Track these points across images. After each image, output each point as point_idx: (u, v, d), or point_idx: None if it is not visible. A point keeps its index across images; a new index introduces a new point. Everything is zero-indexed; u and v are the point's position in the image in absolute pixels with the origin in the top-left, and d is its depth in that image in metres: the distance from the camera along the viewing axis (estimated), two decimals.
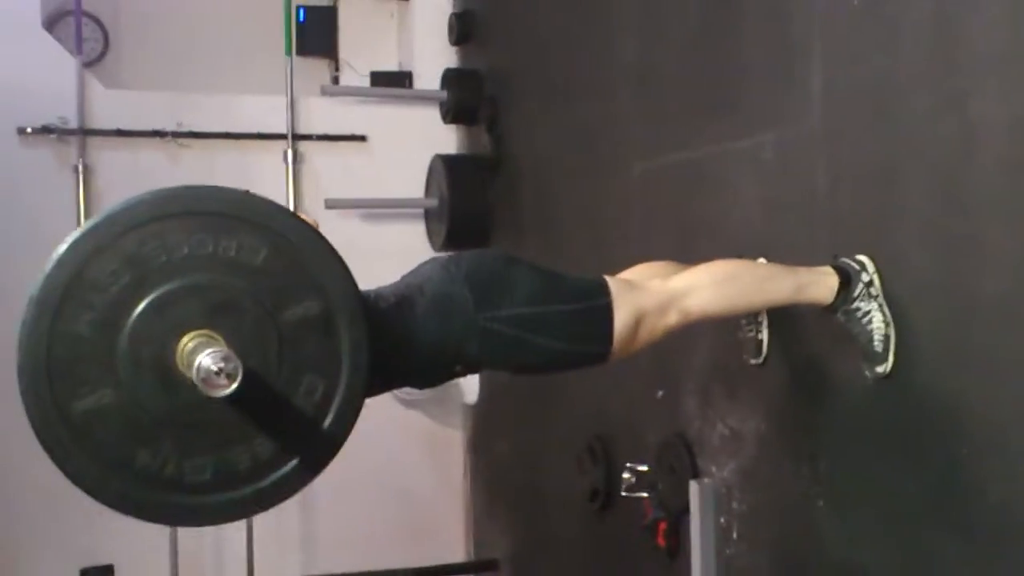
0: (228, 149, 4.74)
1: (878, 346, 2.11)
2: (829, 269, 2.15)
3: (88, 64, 4.78)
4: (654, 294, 1.99)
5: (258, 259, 1.52)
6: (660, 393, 3.07)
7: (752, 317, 2.51)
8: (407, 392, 4.58)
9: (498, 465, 4.65)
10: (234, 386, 1.33)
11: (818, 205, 2.33)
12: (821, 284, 2.13)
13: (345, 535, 4.66)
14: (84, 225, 1.49)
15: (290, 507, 4.78)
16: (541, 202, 4.03)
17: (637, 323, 1.95)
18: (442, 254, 2.06)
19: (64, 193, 4.50)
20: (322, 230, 4.86)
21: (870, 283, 2.12)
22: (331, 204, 4.62)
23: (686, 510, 2.86)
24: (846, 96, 2.26)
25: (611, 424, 3.44)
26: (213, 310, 1.49)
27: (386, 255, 4.72)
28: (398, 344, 1.80)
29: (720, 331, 2.71)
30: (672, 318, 2.00)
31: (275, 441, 1.54)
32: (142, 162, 4.64)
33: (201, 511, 1.55)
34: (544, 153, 3.99)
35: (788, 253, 2.35)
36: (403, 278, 1.96)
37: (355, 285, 1.63)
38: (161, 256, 1.48)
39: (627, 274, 2.15)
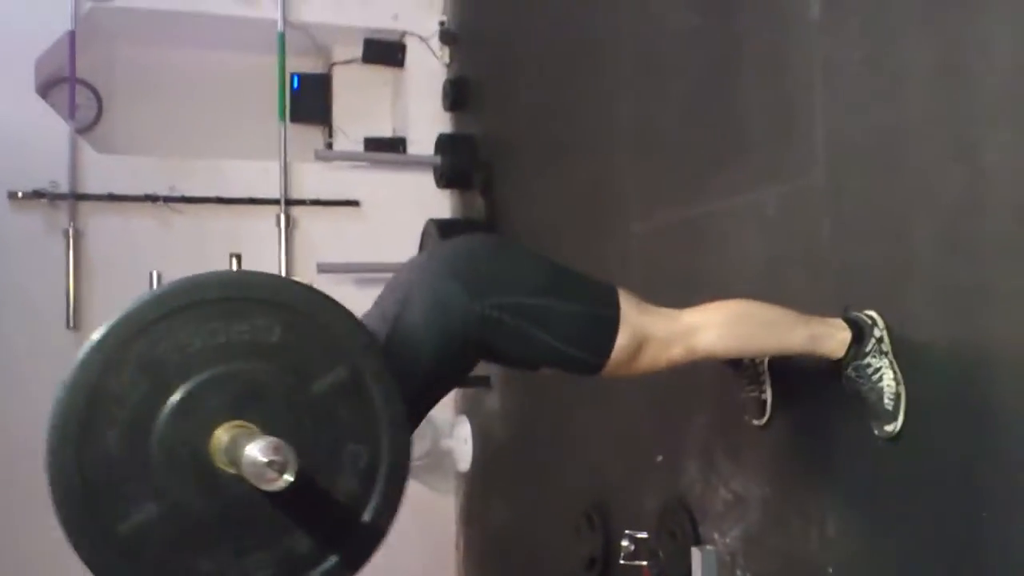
0: (220, 214, 4.70)
1: (888, 404, 2.04)
2: (841, 322, 2.10)
3: (81, 130, 4.76)
4: (663, 322, 1.93)
5: (273, 337, 1.46)
6: (659, 457, 2.99)
7: (755, 376, 2.44)
8: None
9: (491, 535, 4.53)
10: (289, 475, 1.25)
11: (824, 260, 2.29)
12: (834, 337, 2.08)
13: None
14: (89, 340, 1.42)
15: None
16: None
17: (640, 347, 1.89)
18: (417, 256, 2.00)
19: (54, 257, 4.46)
20: None
21: (881, 339, 2.07)
22: (324, 268, 4.57)
23: None
24: (850, 149, 2.23)
25: (608, 490, 3.35)
26: (239, 398, 1.42)
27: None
28: (412, 369, 1.71)
29: (721, 391, 2.64)
30: (677, 352, 1.94)
31: (331, 520, 1.47)
32: (133, 227, 4.60)
33: None
34: (539, 216, 3.96)
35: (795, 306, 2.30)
36: (383, 298, 1.87)
37: (373, 338, 1.57)
38: (175, 354, 1.41)
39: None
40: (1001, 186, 1.83)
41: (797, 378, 2.36)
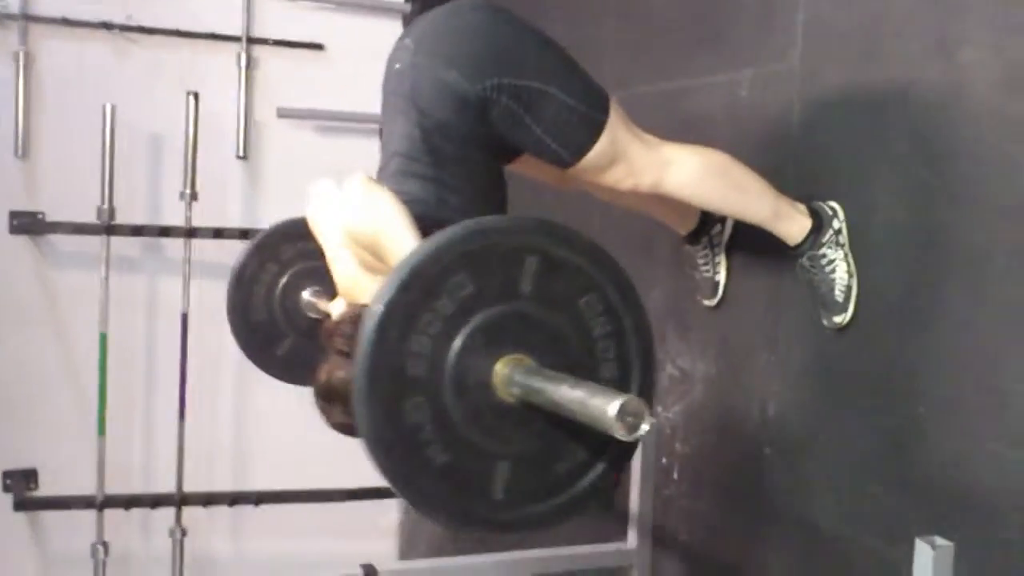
0: (179, 47, 4.52)
1: (839, 296, 2.06)
2: (805, 208, 2.09)
3: None
4: (643, 147, 1.94)
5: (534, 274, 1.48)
6: None
7: (711, 257, 2.45)
8: None
9: None
10: (645, 427, 1.29)
11: (790, 146, 2.27)
12: (796, 220, 2.08)
13: (279, 454, 4.58)
14: (376, 300, 1.41)
15: (223, 421, 4.68)
16: None
17: (613, 160, 1.90)
18: (404, 40, 1.94)
19: (3, 81, 4.29)
20: (272, 140, 4.69)
21: (839, 231, 2.07)
22: (283, 113, 4.46)
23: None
24: (829, 35, 2.18)
25: None
26: (507, 335, 1.46)
27: (338, 171, 4.60)
28: (461, 145, 1.80)
29: (675, 269, 2.65)
30: (646, 179, 1.95)
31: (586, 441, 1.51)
32: (88, 54, 4.42)
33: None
34: None
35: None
36: (391, 112, 1.91)
37: (615, 261, 1.53)
38: (454, 301, 1.44)
39: None
40: (979, 86, 1.81)
41: (751, 263, 2.37)
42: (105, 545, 4.02)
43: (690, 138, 2.63)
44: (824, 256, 2.07)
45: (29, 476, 4.32)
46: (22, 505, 4.14)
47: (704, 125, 2.60)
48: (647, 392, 1.53)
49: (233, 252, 4.43)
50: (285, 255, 2.83)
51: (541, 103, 1.82)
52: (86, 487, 4.06)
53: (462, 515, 1.47)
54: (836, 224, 2.07)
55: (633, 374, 1.52)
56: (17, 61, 4.28)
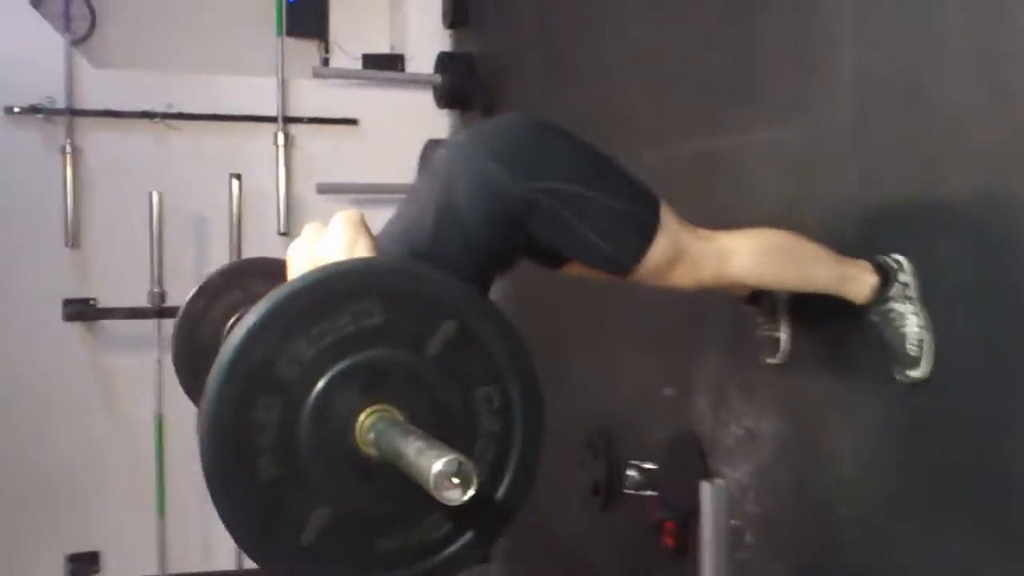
0: (218, 131, 4.63)
1: (912, 350, 2.03)
2: (868, 265, 2.07)
3: (76, 42, 4.64)
4: (700, 241, 1.89)
5: (375, 319, 1.43)
6: (668, 391, 2.99)
7: (771, 314, 2.43)
8: None
9: None
10: (471, 492, 1.22)
11: (847, 202, 2.25)
12: (861, 280, 2.05)
13: None
14: (212, 384, 1.37)
15: None
16: None
17: (674, 259, 1.85)
18: (455, 137, 1.91)
19: (52, 174, 4.38)
20: (312, 215, 4.78)
21: (907, 284, 2.04)
22: (323, 189, 4.51)
23: (695, 511, 2.79)
24: (878, 87, 2.17)
25: (612, 421, 3.35)
26: (366, 386, 1.41)
27: None
28: (463, 252, 1.70)
29: (734, 328, 2.63)
30: (708, 273, 1.90)
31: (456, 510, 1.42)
32: (131, 143, 4.53)
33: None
34: None
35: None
36: (419, 189, 1.82)
37: (467, 284, 1.51)
38: (293, 369, 1.39)
39: None
40: None
41: (813, 318, 2.35)
42: None
43: (736, 199, 2.65)
44: (892, 310, 2.05)
45: (91, 559, 4.35)
46: None
47: (750, 184, 2.60)
48: (511, 501, 1.49)
49: None
50: (232, 298, 2.82)
51: (592, 208, 1.76)
52: (148, 567, 4.07)
53: (261, 542, 1.39)
54: (903, 277, 2.05)
55: (500, 484, 1.48)
56: (64, 154, 4.37)
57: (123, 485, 4.39)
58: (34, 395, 4.38)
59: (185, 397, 4.42)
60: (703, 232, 1.92)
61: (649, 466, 2.99)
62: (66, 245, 4.36)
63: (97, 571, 4.31)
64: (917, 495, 2.07)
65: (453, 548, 1.48)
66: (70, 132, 4.42)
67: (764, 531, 2.58)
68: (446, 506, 1.22)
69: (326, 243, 1.61)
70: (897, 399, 2.10)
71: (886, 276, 2.06)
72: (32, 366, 4.37)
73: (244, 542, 1.40)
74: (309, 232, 1.79)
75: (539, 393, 1.48)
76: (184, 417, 4.37)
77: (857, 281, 2.05)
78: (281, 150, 4.63)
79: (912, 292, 2.03)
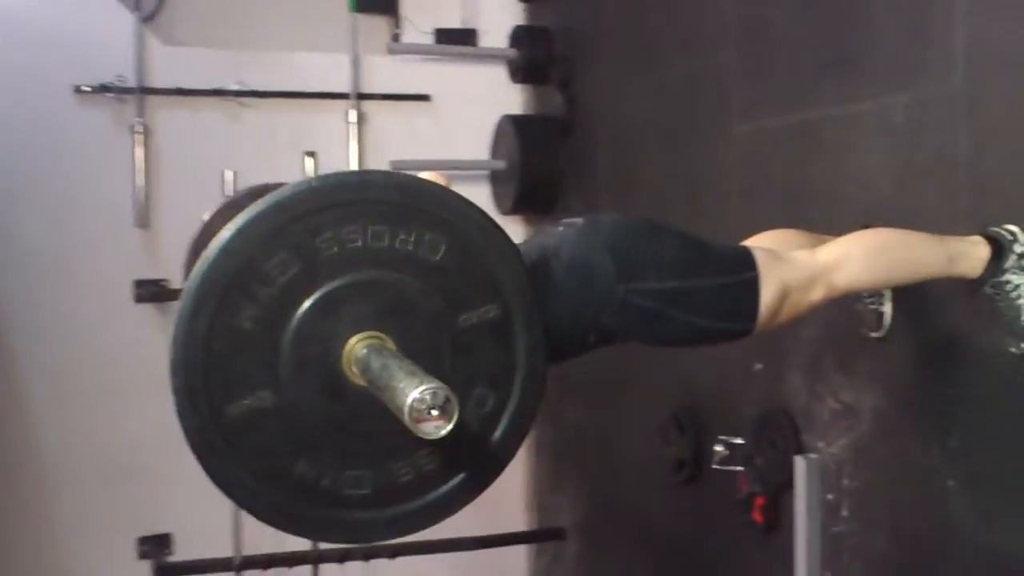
0: (290, 108, 4.63)
1: None
2: (979, 239, 2.04)
3: (145, 19, 4.66)
4: (801, 267, 1.88)
5: (436, 255, 1.40)
6: (758, 366, 2.96)
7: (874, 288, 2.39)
8: None
9: (568, 434, 4.55)
10: (449, 427, 1.18)
11: (959, 172, 2.21)
12: (971, 256, 2.02)
13: None
14: (249, 211, 1.34)
15: None
16: (621, 167, 3.91)
17: (783, 298, 1.85)
18: (574, 219, 1.92)
19: (122, 154, 4.40)
20: None
21: (1022, 255, 2.01)
22: (397, 165, 4.49)
23: (787, 485, 2.77)
24: (993, 55, 2.13)
25: (699, 396, 3.33)
26: (385, 310, 1.37)
27: None
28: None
29: (832, 302, 2.59)
30: (818, 293, 1.90)
31: (440, 455, 1.41)
32: (202, 121, 4.54)
33: (357, 527, 1.44)
34: (626, 114, 3.86)
35: (922, 224, 2.23)
36: (533, 240, 1.87)
37: (531, 286, 1.52)
38: (333, 247, 1.35)
39: (759, 242, 2.04)
40: None
41: (919, 291, 2.31)
42: None
43: (837, 172, 2.61)
44: (1008, 282, 2.01)
45: (164, 541, 4.36)
46: (162, 571, 4.18)
47: (852, 156, 2.56)
48: (505, 447, 1.45)
49: None
50: None
51: (691, 297, 1.79)
52: (221, 550, 4.08)
53: (192, 393, 1.32)
54: (1018, 248, 2.01)
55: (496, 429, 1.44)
56: (135, 133, 4.40)
57: (196, 467, 4.40)
58: (106, 377, 4.39)
59: None
60: (801, 255, 1.91)
61: (738, 441, 2.97)
62: (136, 225, 4.38)
63: (170, 553, 4.30)
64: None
65: (443, 489, 1.43)
66: (140, 111, 4.43)
67: (861, 505, 2.55)
68: (435, 445, 1.19)
69: None
70: (1009, 371, 2.07)
71: (1000, 248, 2.02)
72: (104, 348, 4.38)
73: (180, 370, 1.34)
74: None
75: (531, 415, 1.48)
76: None
77: (968, 257, 2.02)
78: (353, 127, 4.63)
79: None
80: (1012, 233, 2.03)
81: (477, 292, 1.43)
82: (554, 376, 4.57)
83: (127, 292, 4.27)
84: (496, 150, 4.68)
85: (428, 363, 1.32)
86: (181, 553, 4.32)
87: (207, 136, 4.53)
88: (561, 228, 1.86)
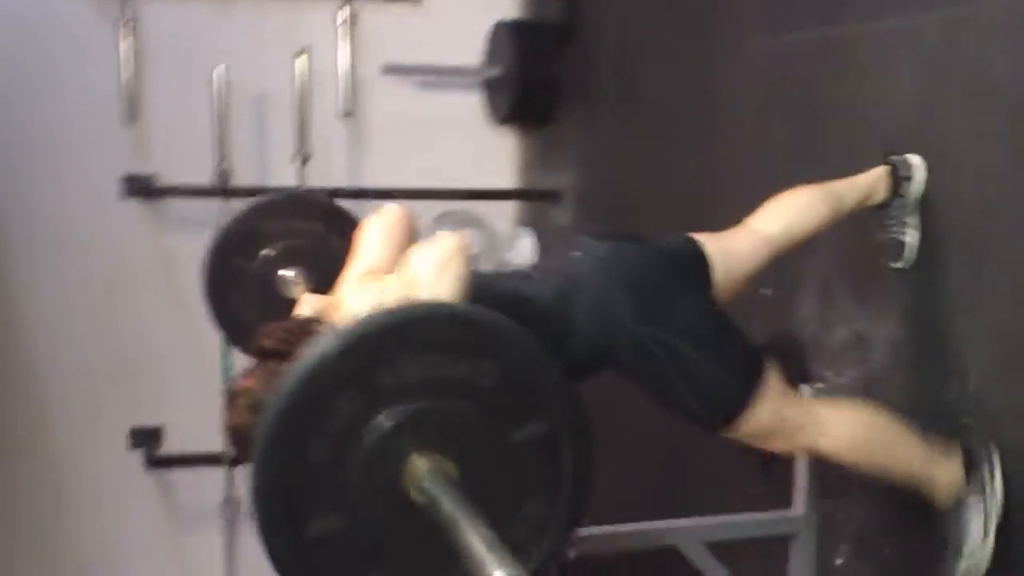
0: (280, 6, 4.45)
1: None
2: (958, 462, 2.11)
3: None
4: (797, 412, 1.97)
5: (489, 381, 1.49)
6: (766, 292, 2.89)
7: (897, 217, 2.31)
8: None
9: None
10: None
11: (993, 99, 2.11)
12: (945, 478, 2.09)
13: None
14: (315, 352, 1.43)
15: None
16: (623, 79, 3.77)
17: (771, 429, 1.94)
18: (593, 242, 1.99)
19: (108, 46, 4.20)
20: (376, 97, 4.65)
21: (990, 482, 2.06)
22: (390, 70, 4.36)
23: None
24: None
25: None
26: (444, 433, 1.47)
27: (443, 126, 4.53)
28: (558, 344, 1.73)
29: (849, 229, 2.52)
30: (801, 444, 2.02)
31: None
32: (190, 15, 4.36)
33: None
34: (630, 22, 3.70)
35: (953, 148, 2.15)
36: (551, 263, 1.98)
37: (577, 396, 1.58)
38: (394, 378, 1.44)
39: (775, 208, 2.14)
40: None
41: (946, 223, 2.24)
42: (235, 501, 4.05)
43: (860, 93, 2.50)
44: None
45: (154, 434, 4.35)
46: (153, 463, 4.19)
47: (878, 77, 2.44)
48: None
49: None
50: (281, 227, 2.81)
51: (695, 371, 1.85)
52: (210, 445, 4.03)
53: (274, 516, 1.44)
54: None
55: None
56: (121, 25, 4.21)
57: (187, 363, 4.34)
58: (96, 273, 4.34)
59: None
60: (804, 401, 2.03)
61: None
62: (124, 121, 4.23)
63: (159, 446, 4.32)
64: None
65: None
66: (124, 3, 4.24)
67: None
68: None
69: (425, 250, 1.71)
70: None
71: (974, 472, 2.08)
72: (93, 244, 4.31)
73: (261, 498, 1.44)
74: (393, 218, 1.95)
75: (573, 530, 1.61)
76: None
77: (941, 479, 2.09)
78: (344, 27, 4.45)
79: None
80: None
81: (527, 410, 1.52)
82: None
83: (115, 188, 4.15)
84: (491, 56, 4.52)
85: (483, 479, 1.46)
86: (171, 446, 4.32)
87: (196, 30, 4.36)
88: (580, 254, 1.93)
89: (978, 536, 2.06)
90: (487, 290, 1.75)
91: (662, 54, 3.47)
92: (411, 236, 2.07)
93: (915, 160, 2.21)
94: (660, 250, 1.96)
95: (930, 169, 2.22)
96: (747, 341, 1.95)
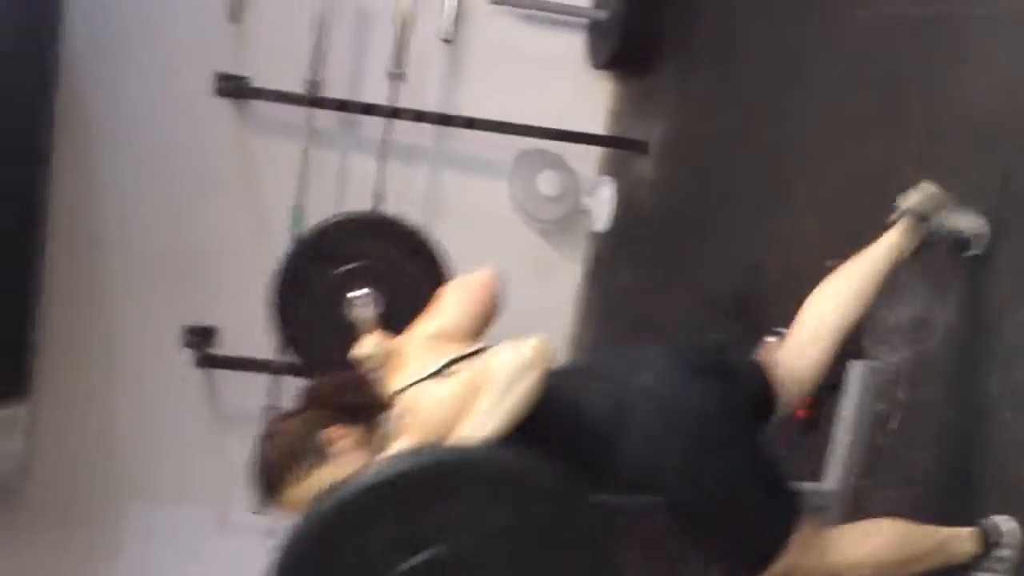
0: None
1: None
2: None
3: None
4: (816, 558, 1.95)
5: (524, 521, 1.54)
6: (830, 263, 2.84)
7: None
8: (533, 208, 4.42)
9: (616, 299, 4.51)
10: None
11: None
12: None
13: None
14: (349, 487, 1.49)
15: None
16: (722, 35, 3.73)
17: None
18: (653, 358, 1.96)
19: None
20: (479, 26, 4.65)
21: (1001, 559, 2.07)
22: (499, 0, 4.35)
23: (835, 388, 2.70)
24: None
25: (760, 287, 3.24)
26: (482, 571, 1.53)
27: (542, 64, 4.51)
28: (597, 468, 1.77)
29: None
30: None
31: None
32: None
33: None
34: None
35: None
36: (617, 371, 1.90)
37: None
38: (432, 519, 1.50)
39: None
40: None
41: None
42: (277, 409, 4.12)
43: (965, 74, 2.42)
44: None
45: (210, 334, 4.45)
46: (204, 362, 4.28)
47: (973, 58, 2.37)
48: None
49: (430, 136, 4.43)
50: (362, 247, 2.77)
51: (724, 523, 1.87)
52: (260, 351, 4.13)
53: None
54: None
55: None
56: None
57: (251, 268, 4.42)
58: (177, 167, 4.44)
59: (321, 190, 4.38)
60: (827, 547, 1.97)
61: None
62: (226, 19, 4.30)
63: (211, 346, 4.42)
64: None
65: None
66: None
67: (911, 421, 2.48)
68: None
69: (508, 352, 1.67)
70: None
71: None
72: (178, 138, 4.41)
73: None
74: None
75: None
76: (320, 210, 4.38)
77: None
78: None
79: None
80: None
81: (559, 545, 1.57)
82: (613, 242, 4.49)
83: (208, 85, 4.22)
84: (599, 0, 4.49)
85: None
86: (224, 348, 4.42)
87: None
88: (638, 376, 1.87)
89: None
90: (550, 402, 1.71)
91: (761, 13, 3.41)
92: (493, 306, 2.11)
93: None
94: (726, 397, 1.91)
95: None
96: (787, 492, 1.95)
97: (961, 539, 2.11)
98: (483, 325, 2.07)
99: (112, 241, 4.46)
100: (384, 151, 4.24)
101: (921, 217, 2.16)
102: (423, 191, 4.55)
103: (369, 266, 2.70)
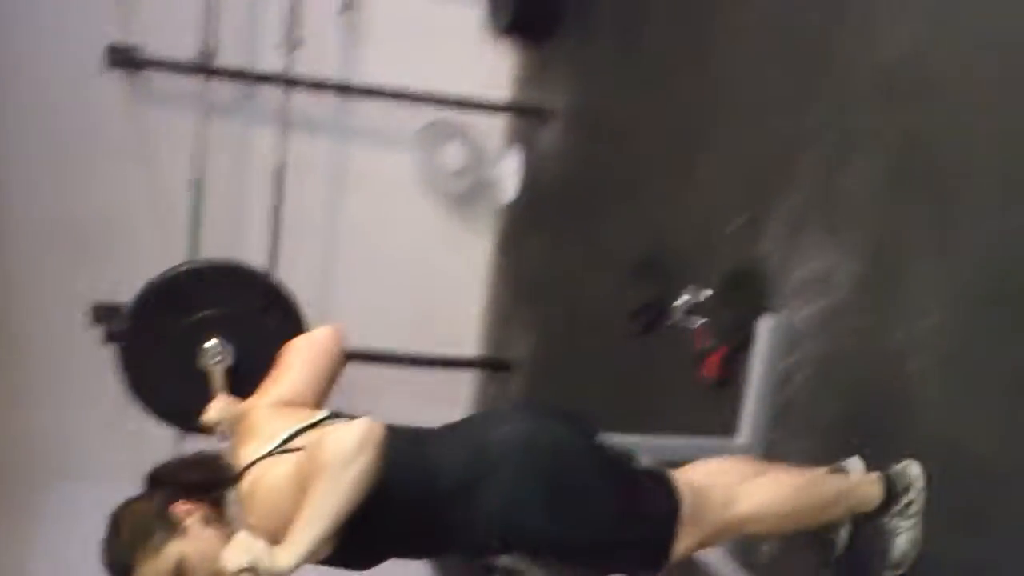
0: None
1: None
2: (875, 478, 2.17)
3: None
4: (717, 517, 2.00)
5: None
6: (736, 221, 2.87)
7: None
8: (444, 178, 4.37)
9: (529, 270, 4.49)
10: None
11: None
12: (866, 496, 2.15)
13: (365, 314, 4.49)
14: None
15: (311, 278, 4.52)
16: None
17: (698, 546, 2.00)
18: (514, 418, 1.96)
19: None
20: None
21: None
22: None
23: (745, 344, 2.72)
24: None
25: (669, 248, 3.25)
26: None
27: (442, 31, 4.45)
28: (455, 528, 1.84)
29: (833, 167, 2.50)
30: (727, 537, 2.13)
31: None
32: None
33: None
34: None
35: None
36: (476, 429, 1.92)
37: None
38: None
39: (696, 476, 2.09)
40: None
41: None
42: None
43: (860, 37, 2.45)
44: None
45: (116, 310, 4.30)
46: (112, 338, 4.14)
47: (877, 24, 2.40)
48: None
49: (332, 107, 4.34)
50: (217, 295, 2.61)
51: (607, 550, 1.93)
52: None
53: None
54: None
55: None
56: None
57: (153, 243, 4.31)
58: (71, 140, 4.28)
59: (222, 166, 4.25)
60: (729, 504, 2.01)
61: (707, 292, 2.91)
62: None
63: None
64: (995, 358, 1.98)
65: None
66: None
67: (818, 375, 2.51)
68: None
69: (341, 435, 1.63)
70: (1008, 257, 1.98)
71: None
72: (71, 111, 4.25)
73: None
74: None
75: None
76: (219, 183, 4.27)
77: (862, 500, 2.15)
78: None
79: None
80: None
81: None
82: (522, 212, 4.44)
83: (98, 57, 4.07)
84: None
85: None
86: None
87: None
88: (496, 429, 1.89)
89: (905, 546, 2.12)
90: (398, 467, 1.71)
91: None
92: (337, 364, 2.09)
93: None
94: (578, 432, 1.95)
95: None
96: (652, 484, 1.97)
97: (865, 485, 2.15)
98: (327, 385, 2.07)
99: (9, 218, 4.29)
100: (284, 122, 4.14)
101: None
102: (326, 163, 4.46)
103: (225, 316, 2.56)
